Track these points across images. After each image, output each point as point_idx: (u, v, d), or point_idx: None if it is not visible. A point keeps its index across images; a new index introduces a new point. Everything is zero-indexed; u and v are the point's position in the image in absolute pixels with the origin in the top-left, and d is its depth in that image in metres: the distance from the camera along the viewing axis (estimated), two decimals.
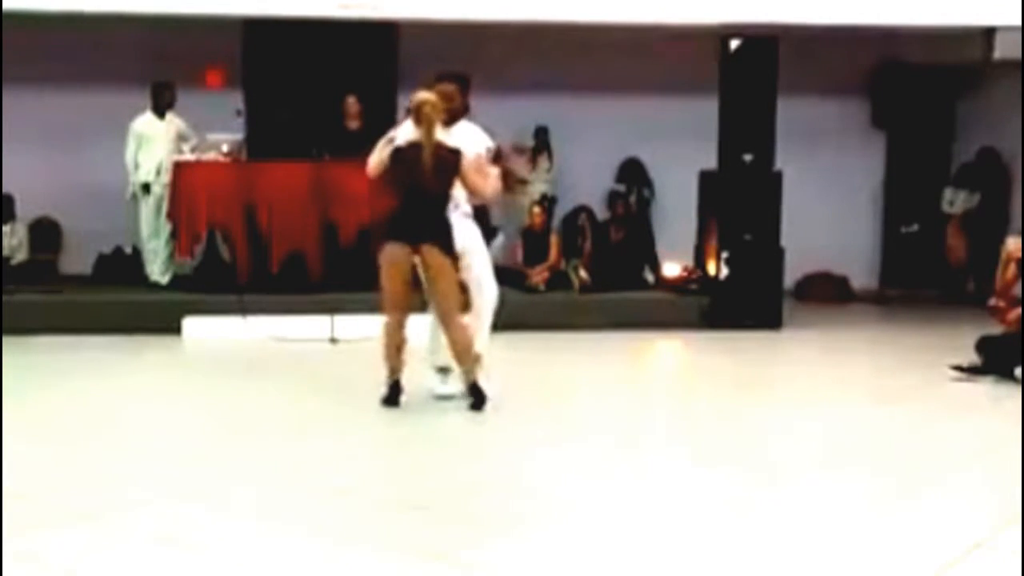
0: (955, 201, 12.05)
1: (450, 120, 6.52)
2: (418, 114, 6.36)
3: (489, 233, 10.93)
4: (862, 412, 6.70)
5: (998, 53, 10.22)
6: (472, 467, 5.37)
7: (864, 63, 12.10)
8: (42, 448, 5.52)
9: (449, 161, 6.39)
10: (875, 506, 4.69)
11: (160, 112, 9.81)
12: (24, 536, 4.12)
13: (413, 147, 6.37)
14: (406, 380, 6.47)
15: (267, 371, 7.46)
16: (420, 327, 6.61)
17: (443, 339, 6.50)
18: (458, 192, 6.53)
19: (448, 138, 6.42)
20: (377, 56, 9.86)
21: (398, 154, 6.42)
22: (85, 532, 4.24)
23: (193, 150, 9.66)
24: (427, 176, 6.31)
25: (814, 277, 11.98)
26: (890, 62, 12.03)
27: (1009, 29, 9.97)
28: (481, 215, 10.93)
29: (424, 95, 6.45)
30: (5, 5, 9.14)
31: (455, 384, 6.63)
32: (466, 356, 6.42)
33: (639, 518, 4.55)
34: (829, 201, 11.99)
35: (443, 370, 6.68)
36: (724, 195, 9.98)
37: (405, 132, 6.52)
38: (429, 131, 6.33)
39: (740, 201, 9.83)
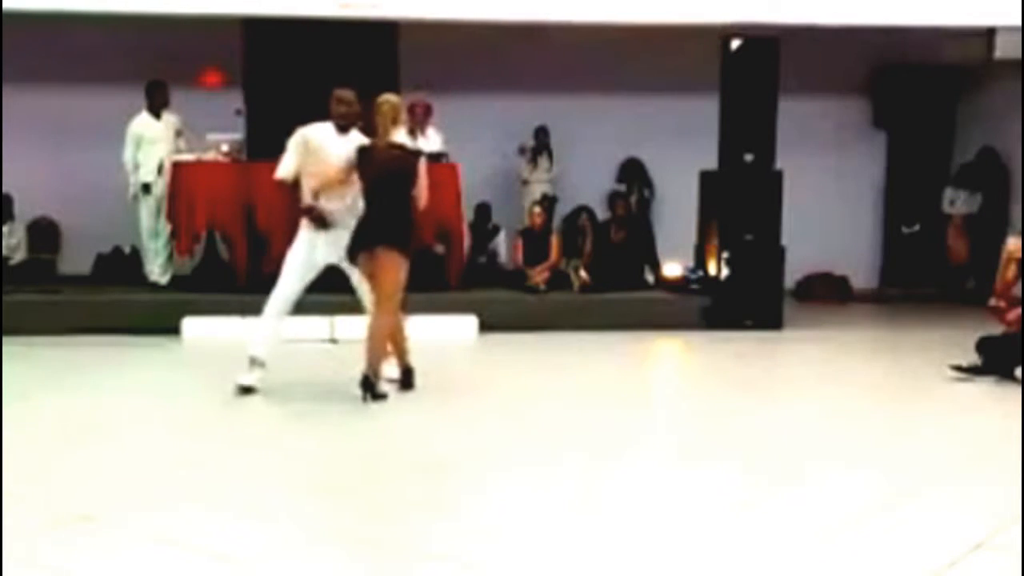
0: (956, 201, 12.05)
1: (350, 127, 6.73)
2: (377, 113, 6.54)
3: (491, 232, 10.97)
4: (862, 412, 6.69)
5: (998, 53, 10.21)
6: (471, 467, 5.36)
7: (864, 63, 12.09)
8: (41, 448, 5.52)
9: (406, 161, 6.58)
10: (875, 506, 4.69)
11: (156, 112, 9.80)
12: (23, 537, 4.12)
13: (370, 147, 6.56)
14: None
15: (267, 372, 7.44)
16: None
17: (264, 330, 6.72)
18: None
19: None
20: (377, 56, 9.84)
21: (360, 154, 6.51)
22: (83, 533, 4.24)
23: (188, 145, 9.67)
24: (379, 175, 6.50)
25: (815, 277, 11.98)
26: (890, 62, 12.03)
27: (1009, 29, 9.96)
28: (484, 213, 10.99)
29: (387, 96, 6.64)
30: (5, 5, 9.13)
31: (256, 375, 6.75)
32: (374, 350, 6.56)
33: (638, 518, 4.55)
34: (829, 201, 12.00)
35: (253, 361, 6.78)
36: (725, 195, 9.97)
37: (321, 133, 6.70)
38: (384, 131, 6.52)
39: (741, 201, 9.83)
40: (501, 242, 10.92)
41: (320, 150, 6.70)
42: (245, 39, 10.01)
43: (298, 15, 9.61)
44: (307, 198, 6.68)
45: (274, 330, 6.78)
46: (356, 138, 6.71)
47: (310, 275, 6.77)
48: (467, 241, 10.40)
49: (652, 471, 5.36)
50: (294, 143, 6.82)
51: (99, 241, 10.58)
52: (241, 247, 9.51)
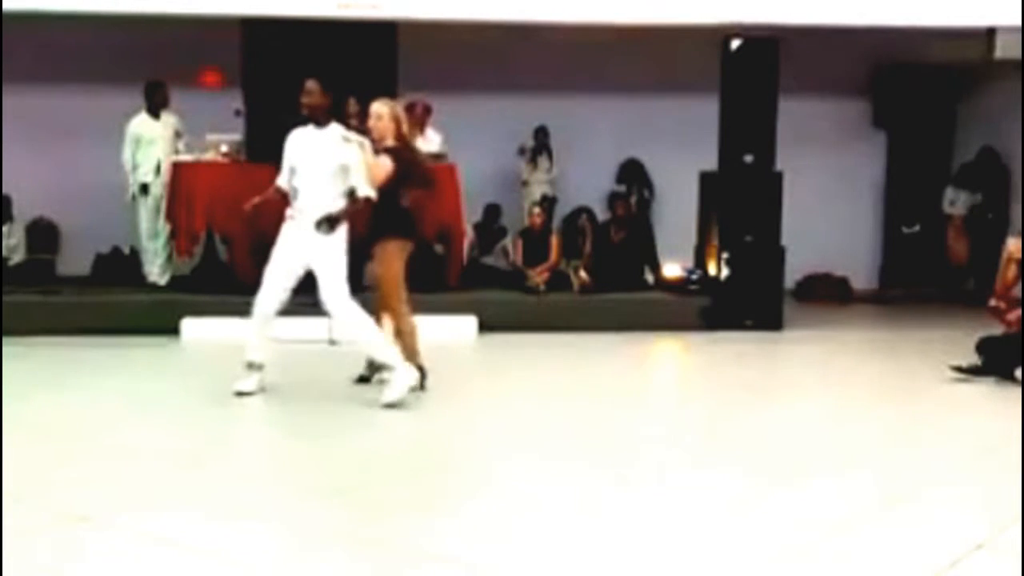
0: (956, 201, 12.04)
1: (322, 120, 6.66)
2: (399, 116, 6.76)
3: (498, 233, 10.95)
4: (863, 413, 6.68)
5: (998, 53, 10.20)
6: (470, 468, 5.35)
7: (864, 63, 12.09)
8: (39, 449, 5.50)
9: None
10: (876, 506, 4.68)
11: (154, 112, 9.78)
12: (21, 537, 4.11)
13: (406, 149, 6.73)
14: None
15: (265, 373, 7.43)
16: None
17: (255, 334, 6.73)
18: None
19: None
20: (377, 56, 9.84)
21: (397, 156, 6.53)
22: (81, 533, 4.23)
23: (187, 147, 9.67)
24: (415, 176, 6.79)
25: (815, 278, 11.97)
26: (890, 62, 12.02)
27: (1009, 29, 9.95)
28: (493, 214, 11.00)
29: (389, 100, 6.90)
30: (5, 5, 9.12)
31: (254, 380, 6.75)
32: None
33: (638, 518, 4.54)
34: (829, 201, 11.99)
35: (251, 366, 6.78)
36: (725, 196, 9.96)
37: (295, 136, 6.75)
38: (407, 132, 6.85)
39: (741, 202, 9.82)
40: (508, 243, 10.91)
41: (293, 153, 6.69)
42: (244, 39, 10.01)
43: (297, 15, 9.60)
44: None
45: (263, 332, 6.76)
46: (337, 132, 6.64)
47: (294, 276, 6.69)
48: (468, 240, 10.42)
49: (652, 472, 5.34)
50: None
51: (98, 241, 10.57)
52: (240, 248, 9.49)
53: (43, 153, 10.76)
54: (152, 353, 8.38)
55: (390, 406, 6.36)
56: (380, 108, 6.72)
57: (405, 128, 6.79)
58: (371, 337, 6.58)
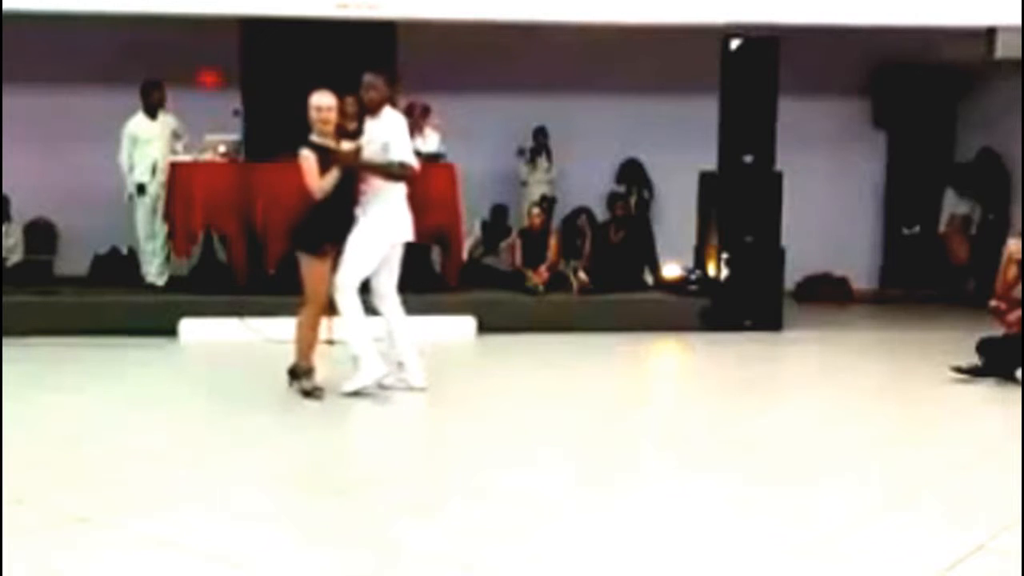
0: (958, 206, 12.01)
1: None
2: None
3: (504, 233, 10.94)
4: (862, 414, 6.67)
5: (998, 53, 10.19)
6: (469, 468, 5.34)
7: (864, 63, 12.08)
8: (37, 451, 5.50)
9: None
10: (876, 508, 4.67)
11: (151, 112, 9.76)
12: (19, 538, 4.10)
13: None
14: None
15: (263, 373, 7.42)
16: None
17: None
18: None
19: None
20: (376, 56, 9.82)
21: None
22: (79, 534, 4.22)
23: (186, 148, 9.66)
24: None
25: (815, 278, 11.96)
26: (890, 62, 12.01)
27: (1009, 29, 9.94)
28: (500, 215, 11.00)
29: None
30: (5, 5, 9.10)
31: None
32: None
33: (636, 520, 4.53)
34: (829, 202, 11.98)
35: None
36: (724, 196, 9.95)
37: None
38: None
39: (740, 202, 9.80)
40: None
41: None
42: (243, 39, 10.00)
43: (296, 15, 9.59)
44: None
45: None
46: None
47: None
48: (473, 239, 10.42)
49: (650, 473, 5.34)
50: None
51: (96, 242, 10.55)
52: (238, 248, 9.49)
53: (41, 153, 10.75)
54: (150, 354, 8.36)
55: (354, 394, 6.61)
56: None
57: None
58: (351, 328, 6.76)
